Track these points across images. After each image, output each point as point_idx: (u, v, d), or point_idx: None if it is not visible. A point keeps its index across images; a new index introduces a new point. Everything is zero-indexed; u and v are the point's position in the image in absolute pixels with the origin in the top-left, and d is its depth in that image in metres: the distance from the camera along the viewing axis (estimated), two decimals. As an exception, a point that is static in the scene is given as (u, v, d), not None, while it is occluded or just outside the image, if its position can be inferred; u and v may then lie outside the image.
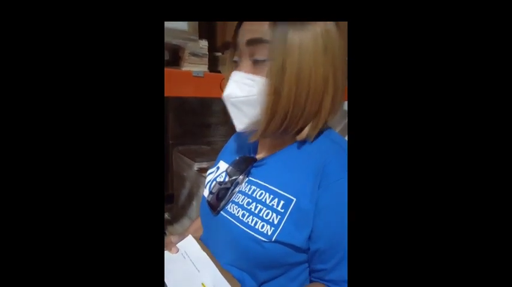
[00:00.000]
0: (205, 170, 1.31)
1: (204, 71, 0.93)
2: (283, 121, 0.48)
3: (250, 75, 0.49)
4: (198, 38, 0.94)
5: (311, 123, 0.49)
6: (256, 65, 0.48)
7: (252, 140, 0.52)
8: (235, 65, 0.52)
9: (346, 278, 0.47)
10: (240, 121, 0.52)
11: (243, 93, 0.49)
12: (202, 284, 0.54)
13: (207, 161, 1.33)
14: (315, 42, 0.44)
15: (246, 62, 0.50)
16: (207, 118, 1.61)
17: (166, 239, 0.64)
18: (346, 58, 0.47)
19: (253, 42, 0.47)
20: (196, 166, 1.31)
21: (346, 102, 1.51)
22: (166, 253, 0.60)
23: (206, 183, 0.65)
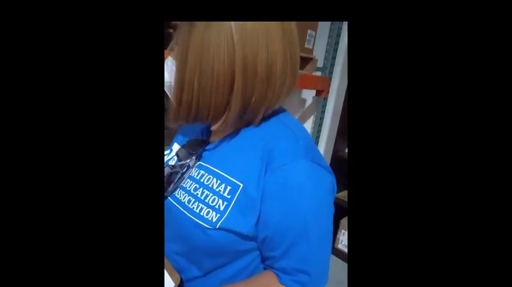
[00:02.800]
0: (160, 155, 1.25)
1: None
2: (190, 110, 0.45)
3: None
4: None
5: (224, 115, 0.45)
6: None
7: (171, 125, 0.49)
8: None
9: (301, 266, 0.46)
10: None
11: (171, 78, 0.47)
12: None
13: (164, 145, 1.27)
14: (218, 38, 0.41)
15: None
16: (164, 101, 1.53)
17: None
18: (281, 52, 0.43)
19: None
20: (151, 151, 1.24)
21: (303, 91, 1.53)
22: None
23: None
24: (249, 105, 0.45)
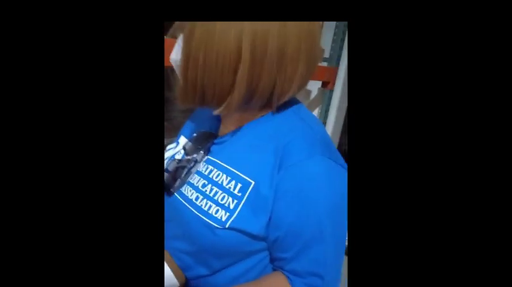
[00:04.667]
0: (162, 147, 1.23)
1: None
2: (195, 89, 0.42)
3: None
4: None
5: (228, 98, 0.42)
6: None
7: (180, 107, 0.47)
8: None
9: (313, 269, 0.44)
10: None
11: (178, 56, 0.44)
12: None
13: (164, 138, 1.25)
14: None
15: None
16: (164, 91, 1.49)
17: None
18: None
19: None
20: (152, 143, 1.22)
21: (309, 82, 1.49)
22: None
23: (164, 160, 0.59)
24: (257, 90, 0.42)
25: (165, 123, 1.58)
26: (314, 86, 1.52)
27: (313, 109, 1.53)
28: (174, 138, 0.64)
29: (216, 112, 0.44)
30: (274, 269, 0.50)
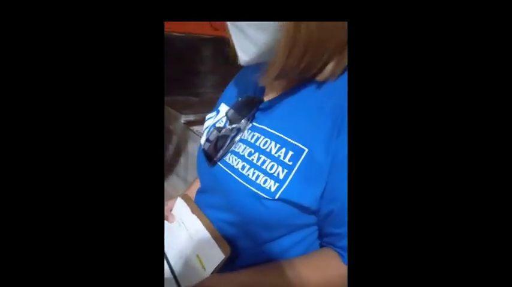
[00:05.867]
0: (193, 123, 1.22)
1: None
2: (303, 56, 0.37)
3: None
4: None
5: (336, 58, 0.38)
6: None
7: (262, 82, 0.41)
8: None
9: None
10: (245, 50, 0.40)
11: None
12: (197, 256, 0.47)
13: (194, 114, 1.23)
14: None
15: None
16: (196, 65, 1.46)
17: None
18: None
19: None
20: (183, 119, 1.21)
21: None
22: (165, 223, 0.55)
23: (204, 129, 0.55)
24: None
25: (196, 98, 1.57)
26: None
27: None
28: (203, 113, 0.61)
29: (319, 78, 0.40)
30: (321, 246, 0.46)
